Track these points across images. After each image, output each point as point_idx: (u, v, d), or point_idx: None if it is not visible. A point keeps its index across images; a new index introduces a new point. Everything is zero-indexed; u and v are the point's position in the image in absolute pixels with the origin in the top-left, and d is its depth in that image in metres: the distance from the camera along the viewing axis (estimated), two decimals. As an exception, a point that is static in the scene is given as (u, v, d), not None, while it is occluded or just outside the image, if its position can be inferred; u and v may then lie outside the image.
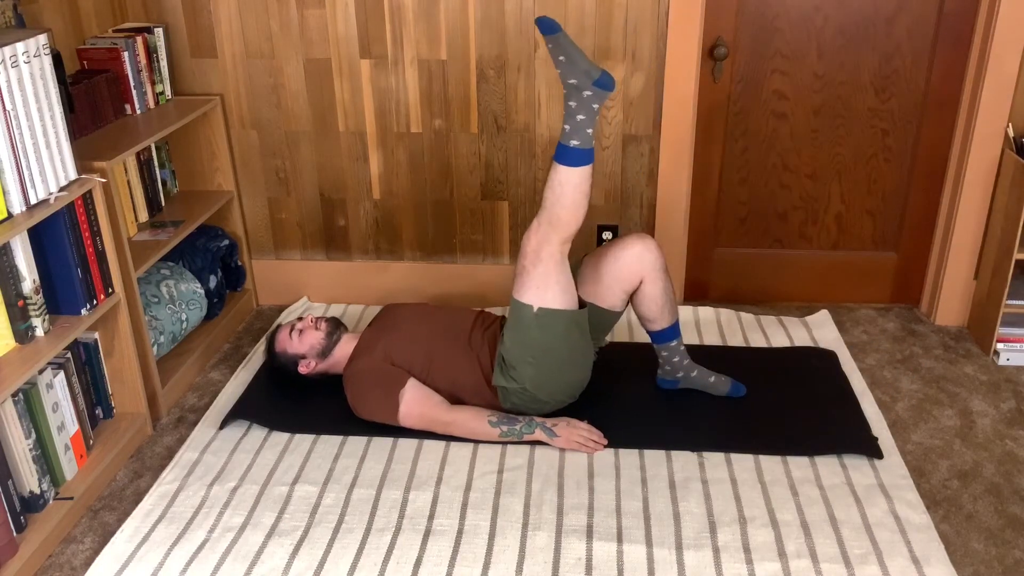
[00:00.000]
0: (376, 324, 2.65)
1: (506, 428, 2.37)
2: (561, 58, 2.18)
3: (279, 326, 2.71)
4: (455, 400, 2.47)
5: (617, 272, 2.42)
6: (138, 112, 2.83)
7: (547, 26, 2.14)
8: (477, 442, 2.43)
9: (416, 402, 2.40)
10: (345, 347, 2.61)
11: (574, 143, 2.22)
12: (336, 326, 2.64)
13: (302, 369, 2.61)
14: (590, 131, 2.22)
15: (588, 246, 3.15)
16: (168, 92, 2.98)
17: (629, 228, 3.13)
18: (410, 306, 2.70)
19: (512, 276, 2.42)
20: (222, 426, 2.54)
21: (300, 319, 2.66)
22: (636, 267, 2.42)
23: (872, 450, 2.36)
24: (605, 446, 2.40)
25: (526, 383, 2.38)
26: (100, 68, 2.74)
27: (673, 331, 2.54)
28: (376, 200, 3.18)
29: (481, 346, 2.50)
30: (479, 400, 2.47)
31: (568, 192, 2.24)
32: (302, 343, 2.60)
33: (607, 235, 3.14)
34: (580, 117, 2.20)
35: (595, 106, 2.20)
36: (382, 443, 2.45)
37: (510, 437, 2.38)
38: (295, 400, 2.63)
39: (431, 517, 2.18)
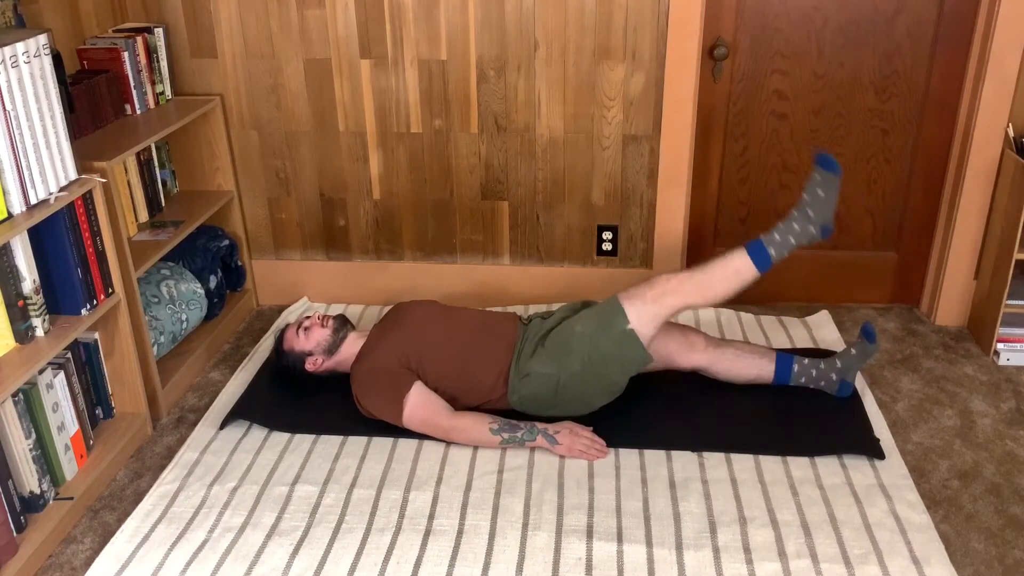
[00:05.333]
0: (385, 322, 2.64)
1: (507, 435, 2.36)
2: (820, 192, 2.34)
3: (287, 326, 2.71)
4: (462, 397, 2.46)
5: (669, 357, 2.57)
6: (138, 112, 2.84)
7: (832, 166, 2.32)
8: (477, 442, 2.43)
9: (420, 407, 2.40)
10: (352, 345, 2.61)
11: (772, 252, 2.35)
12: (343, 323, 2.65)
13: (309, 366, 2.61)
14: (787, 253, 2.37)
15: (588, 246, 3.16)
16: (168, 92, 2.98)
17: (629, 228, 3.13)
18: (420, 304, 2.68)
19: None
20: (222, 426, 2.54)
21: (307, 317, 2.66)
22: (683, 363, 2.58)
23: (874, 451, 2.36)
24: (606, 455, 2.38)
25: (562, 374, 2.38)
26: (100, 68, 2.74)
27: (783, 369, 2.58)
28: (376, 200, 3.18)
29: (491, 343, 2.49)
30: (487, 396, 2.46)
31: (735, 282, 2.37)
32: (308, 340, 2.60)
33: (607, 235, 3.14)
34: (792, 240, 2.37)
35: (805, 241, 2.37)
36: (382, 443, 2.45)
37: (511, 444, 2.38)
38: (295, 400, 2.63)
39: (431, 517, 2.18)
